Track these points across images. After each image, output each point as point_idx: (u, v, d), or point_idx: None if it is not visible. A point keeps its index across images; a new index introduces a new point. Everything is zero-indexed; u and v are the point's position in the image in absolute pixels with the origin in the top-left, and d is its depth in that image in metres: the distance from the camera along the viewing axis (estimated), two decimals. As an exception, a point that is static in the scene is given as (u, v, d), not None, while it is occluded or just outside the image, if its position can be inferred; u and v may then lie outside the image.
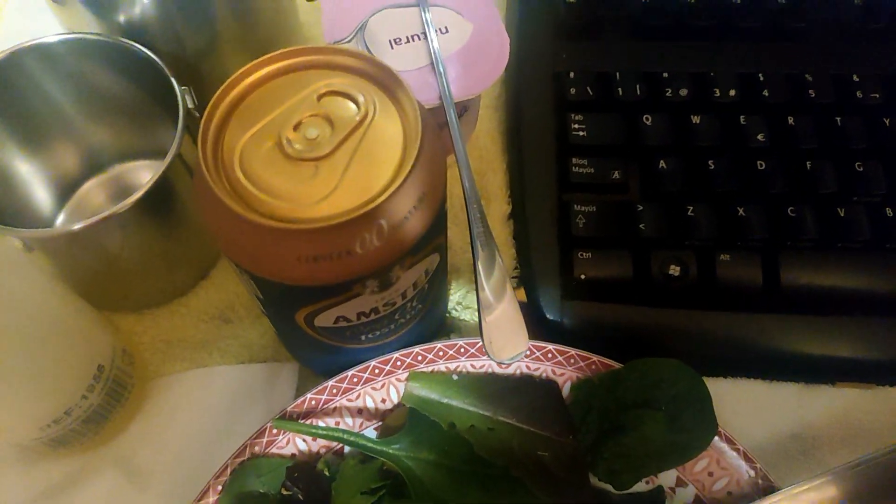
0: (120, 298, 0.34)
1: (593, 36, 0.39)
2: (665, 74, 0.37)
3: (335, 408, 0.29)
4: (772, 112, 0.37)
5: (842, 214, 0.35)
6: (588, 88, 0.37)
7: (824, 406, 0.33)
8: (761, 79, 0.37)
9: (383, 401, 0.30)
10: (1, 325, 0.24)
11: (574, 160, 0.36)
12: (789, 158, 0.36)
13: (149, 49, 0.31)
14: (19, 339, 0.25)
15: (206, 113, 0.22)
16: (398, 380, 0.30)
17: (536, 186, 0.36)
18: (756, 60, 0.38)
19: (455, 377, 0.30)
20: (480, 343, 0.28)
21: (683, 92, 0.37)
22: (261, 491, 0.27)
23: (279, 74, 0.24)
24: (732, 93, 0.37)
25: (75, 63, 0.31)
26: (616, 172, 0.36)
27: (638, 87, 0.37)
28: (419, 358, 0.30)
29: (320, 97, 0.23)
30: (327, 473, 0.28)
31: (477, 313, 0.27)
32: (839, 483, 0.27)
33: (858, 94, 0.37)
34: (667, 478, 0.29)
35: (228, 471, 0.27)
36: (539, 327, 0.34)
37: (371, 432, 0.30)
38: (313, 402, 0.29)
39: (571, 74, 0.37)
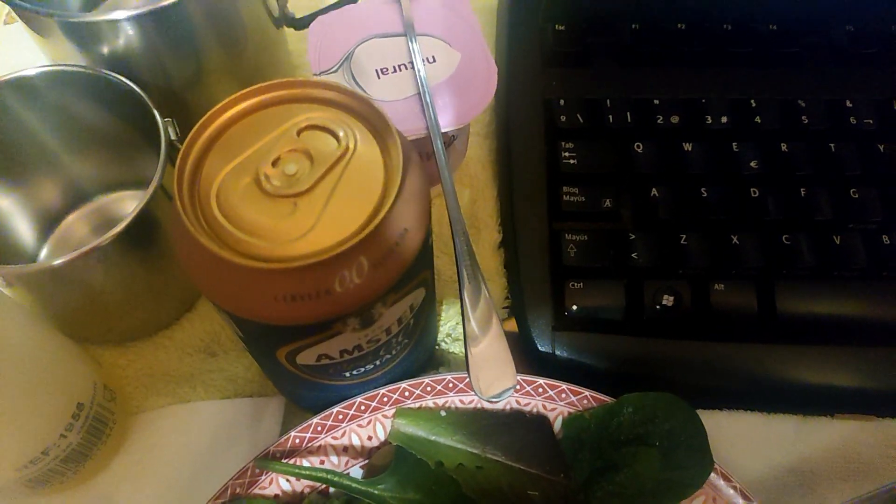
0: (103, 331, 0.34)
1: (583, 62, 0.39)
2: (656, 101, 0.37)
3: (320, 446, 0.28)
4: (765, 138, 0.36)
5: (837, 242, 0.34)
6: (578, 116, 0.37)
7: (823, 439, 0.32)
8: (753, 105, 0.37)
9: (369, 438, 0.29)
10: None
11: (565, 189, 0.35)
12: (783, 186, 0.35)
13: (134, 80, 0.31)
14: (-7, 379, 0.25)
15: (182, 149, 0.22)
16: (385, 416, 0.29)
17: (527, 215, 0.36)
18: (748, 86, 0.38)
19: (443, 413, 0.29)
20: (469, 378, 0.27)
21: (675, 119, 0.37)
22: (243, 533, 0.26)
23: (258, 109, 0.23)
24: (724, 119, 0.37)
25: (57, 95, 0.31)
26: (607, 201, 0.35)
27: (629, 114, 0.37)
28: (406, 394, 0.29)
29: (300, 132, 0.23)
30: (312, 514, 0.28)
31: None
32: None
33: (852, 119, 0.37)
34: (662, 517, 0.28)
35: (209, 513, 0.27)
36: (530, 358, 0.34)
37: (357, 471, 0.29)
38: (297, 441, 0.28)
39: (562, 102, 0.37)
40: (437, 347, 0.35)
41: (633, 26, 0.39)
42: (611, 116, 0.37)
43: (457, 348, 0.34)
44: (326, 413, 0.28)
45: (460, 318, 0.35)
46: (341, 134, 0.23)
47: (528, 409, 0.29)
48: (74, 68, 0.30)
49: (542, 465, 0.28)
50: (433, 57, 0.33)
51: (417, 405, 0.29)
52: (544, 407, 0.29)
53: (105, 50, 0.30)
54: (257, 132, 0.23)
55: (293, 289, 0.21)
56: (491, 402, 0.27)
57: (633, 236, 0.34)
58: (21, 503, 0.31)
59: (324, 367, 0.25)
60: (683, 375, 0.33)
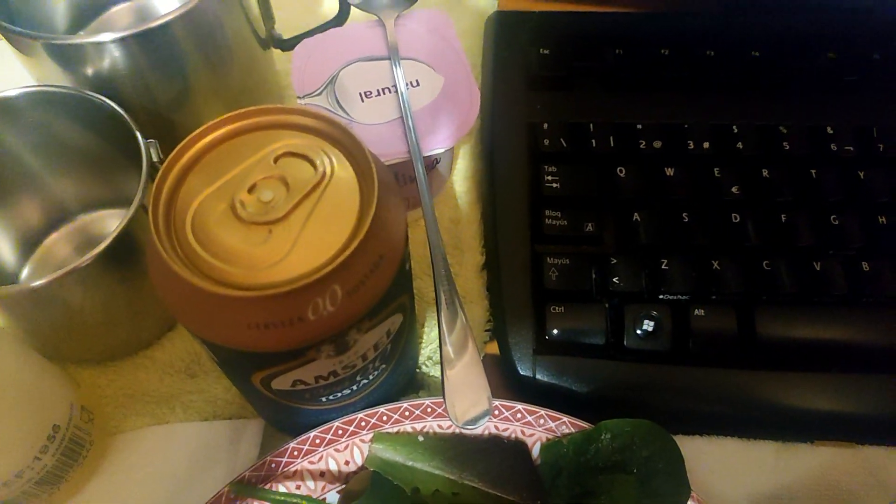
0: (83, 351, 0.34)
1: (567, 86, 0.39)
2: (639, 126, 0.37)
3: (296, 471, 0.28)
4: (746, 164, 0.37)
5: (817, 268, 0.34)
6: (562, 140, 0.37)
7: (802, 465, 0.32)
8: (735, 131, 0.37)
9: (346, 463, 0.29)
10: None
11: (547, 212, 0.35)
12: (764, 211, 0.35)
13: (119, 101, 0.31)
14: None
15: (158, 174, 0.22)
16: (362, 441, 0.29)
17: (509, 238, 0.36)
18: (730, 112, 0.38)
19: (421, 438, 0.29)
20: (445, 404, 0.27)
21: (657, 144, 0.37)
22: (216, 559, 0.26)
23: (236, 135, 0.23)
24: (706, 145, 0.37)
25: (40, 115, 0.31)
26: (589, 225, 0.35)
27: (611, 138, 0.37)
28: (384, 418, 0.29)
29: (277, 158, 0.23)
30: (287, 540, 0.27)
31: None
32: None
33: (833, 146, 0.37)
34: (639, 544, 0.28)
35: (183, 538, 0.26)
36: (511, 382, 0.34)
37: (334, 496, 0.29)
38: (273, 465, 0.28)
39: (545, 126, 0.37)
40: (418, 370, 0.35)
41: (617, 51, 0.39)
42: (594, 141, 0.37)
43: (438, 372, 0.34)
44: (303, 437, 0.28)
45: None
46: (318, 161, 0.23)
47: (506, 434, 0.29)
48: (57, 89, 0.30)
49: (519, 492, 0.28)
50: (417, 81, 0.33)
51: (395, 430, 0.29)
52: (522, 433, 0.29)
53: (90, 71, 0.31)
54: (234, 158, 0.23)
55: (266, 317, 0.21)
56: (466, 428, 0.26)
57: (615, 260, 0.34)
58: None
59: (299, 393, 0.25)
60: (663, 400, 0.33)
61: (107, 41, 0.29)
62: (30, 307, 0.29)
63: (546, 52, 0.39)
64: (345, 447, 0.29)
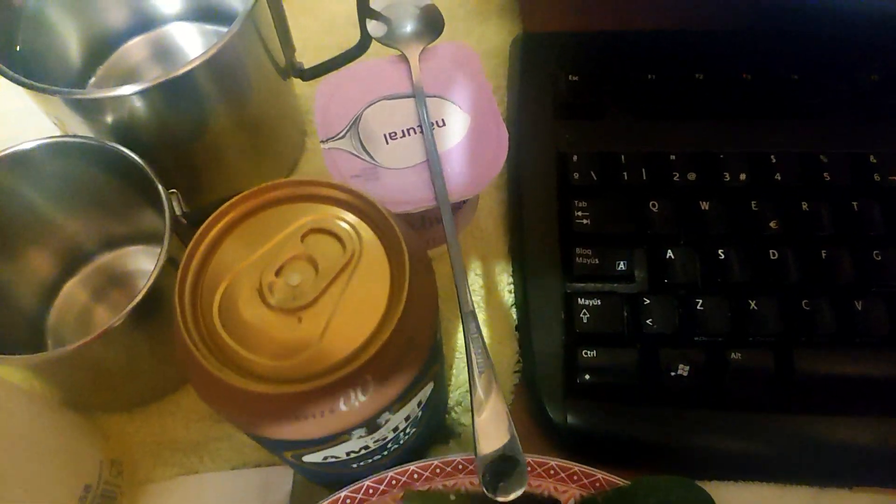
0: (109, 400, 0.34)
1: (597, 114, 0.38)
2: (672, 157, 0.36)
3: (327, 531, 0.28)
4: (784, 196, 0.35)
5: (859, 307, 0.33)
6: (592, 173, 0.36)
7: (841, 513, 0.32)
8: (773, 160, 0.36)
9: (378, 522, 0.29)
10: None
11: (578, 250, 0.34)
12: (803, 247, 0.34)
13: (138, 145, 0.30)
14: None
15: (183, 260, 0.21)
16: (393, 499, 0.28)
17: (539, 276, 0.35)
18: (768, 140, 0.37)
19: (453, 497, 0.28)
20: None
21: (692, 176, 0.36)
22: None
23: (263, 208, 0.23)
24: (743, 176, 0.35)
25: (58, 166, 0.31)
26: (621, 263, 0.34)
27: (644, 170, 0.36)
28: (415, 476, 0.28)
29: (304, 236, 0.22)
30: None
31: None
32: None
33: (876, 176, 0.35)
34: None
35: None
36: (541, 426, 0.33)
37: (365, 554, 0.29)
38: (304, 527, 0.28)
39: (575, 157, 0.36)
40: (447, 415, 0.34)
41: (650, 76, 0.38)
42: (625, 173, 0.36)
43: (468, 420, 0.34)
44: (333, 498, 0.28)
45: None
46: (346, 238, 0.22)
47: (539, 491, 0.29)
48: (76, 140, 0.30)
49: (553, 552, 0.28)
50: (443, 120, 0.32)
51: (426, 487, 0.29)
52: (556, 489, 0.29)
53: (109, 120, 0.30)
54: (260, 237, 0.22)
55: (294, 411, 0.20)
56: (500, 500, 0.26)
57: (648, 301, 0.33)
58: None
59: (331, 464, 0.25)
60: (699, 445, 0.32)
61: (127, 94, 0.28)
62: (59, 368, 0.29)
63: (575, 78, 0.38)
64: (375, 506, 0.28)
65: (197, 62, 0.29)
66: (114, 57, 0.38)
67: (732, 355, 0.32)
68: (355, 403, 0.21)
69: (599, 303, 0.34)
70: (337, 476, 0.29)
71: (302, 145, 0.41)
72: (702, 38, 0.40)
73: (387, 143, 0.32)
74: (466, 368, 0.34)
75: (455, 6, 0.45)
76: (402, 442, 0.27)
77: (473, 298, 0.28)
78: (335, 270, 0.21)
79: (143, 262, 0.37)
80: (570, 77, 0.38)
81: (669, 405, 0.32)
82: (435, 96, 0.33)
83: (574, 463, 0.29)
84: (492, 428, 0.26)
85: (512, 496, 0.25)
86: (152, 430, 0.34)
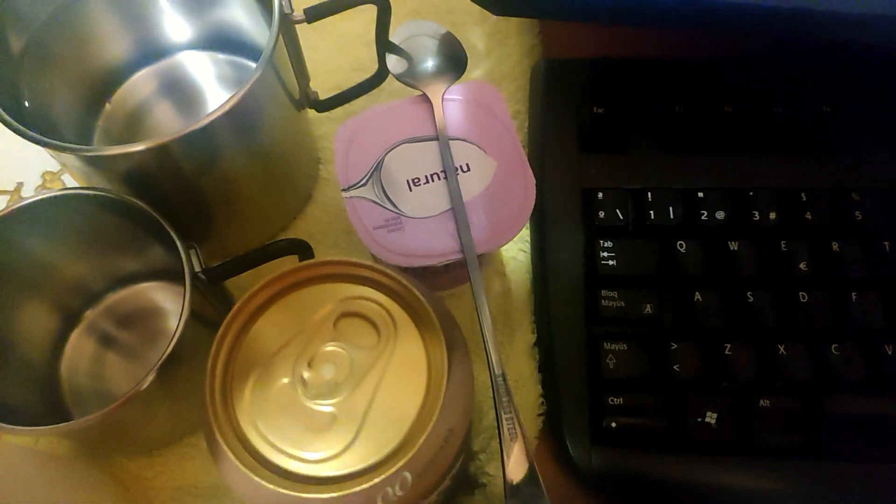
0: (127, 444, 0.33)
1: (623, 148, 0.37)
2: (700, 194, 0.35)
3: None
4: (815, 236, 0.34)
5: (890, 353, 0.33)
6: (618, 211, 0.35)
7: (869, 563, 0.31)
8: (804, 198, 0.35)
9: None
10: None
11: (603, 292, 0.34)
12: (834, 290, 0.33)
13: (153, 195, 0.29)
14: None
15: (212, 351, 0.20)
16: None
17: (563, 319, 0.34)
18: (798, 175, 0.36)
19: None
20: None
21: (720, 215, 0.35)
22: None
23: (295, 288, 0.22)
24: (773, 215, 0.35)
25: (71, 217, 0.30)
26: (648, 306, 0.33)
27: (671, 209, 0.35)
28: (442, 536, 0.28)
29: (337, 321, 0.21)
30: None
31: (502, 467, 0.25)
32: None
33: (910, 215, 0.35)
34: None
35: None
36: (566, 470, 0.33)
37: None
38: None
39: (601, 195, 0.35)
40: (471, 461, 0.34)
41: (677, 109, 0.37)
42: (652, 212, 0.35)
43: (493, 469, 0.33)
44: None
45: (494, 431, 0.34)
46: (380, 323, 0.21)
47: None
48: (90, 192, 0.29)
49: None
50: (467, 165, 0.31)
51: (454, 547, 0.28)
52: (584, 548, 0.29)
53: (123, 172, 0.29)
54: (292, 322, 0.21)
55: (333, 512, 0.20)
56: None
57: (675, 346, 0.33)
58: None
59: (361, 538, 0.25)
60: (726, 493, 0.32)
61: (142, 150, 0.27)
62: (80, 431, 0.28)
63: (600, 110, 0.36)
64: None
65: (217, 114, 0.27)
66: (122, 90, 0.36)
67: (761, 402, 0.32)
68: (393, 499, 0.20)
69: (626, 347, 0.33)
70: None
71: (315, 175, 0.40)
72: (730, 67, 0.39)
73: (410, 189, 0.31)
74: (491, 411, 0.34)
75: (473, 24, 0.43)
76: (431, 509, 0.26)
77: (496, 335, 0.28)
78: (370, 362, 0.21)
79: (151, 300, 0.36)
80: (595, 109, 0.37)
81: (696, 451, 0.32)
82: (458, 139, 0.32)
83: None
84: None
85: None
86: (172, 474, 0.33)
